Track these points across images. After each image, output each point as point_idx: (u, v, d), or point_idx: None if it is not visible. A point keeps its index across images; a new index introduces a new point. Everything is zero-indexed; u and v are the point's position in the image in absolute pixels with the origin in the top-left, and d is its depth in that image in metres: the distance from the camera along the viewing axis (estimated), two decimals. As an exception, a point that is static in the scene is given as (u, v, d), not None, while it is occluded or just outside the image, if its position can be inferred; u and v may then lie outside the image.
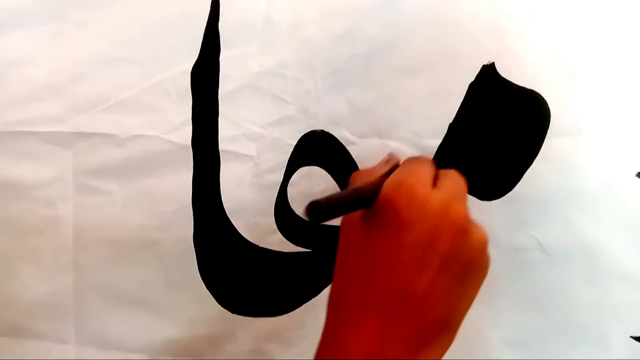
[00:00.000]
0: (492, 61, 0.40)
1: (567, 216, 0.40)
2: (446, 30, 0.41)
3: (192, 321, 0.45)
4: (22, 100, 0.45)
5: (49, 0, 0.43)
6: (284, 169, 0.43)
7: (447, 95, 0.41)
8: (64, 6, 0.43)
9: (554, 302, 0.40)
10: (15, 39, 0.45)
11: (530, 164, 0.40)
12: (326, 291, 0.44)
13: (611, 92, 0.40)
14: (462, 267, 0.30)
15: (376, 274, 0.30)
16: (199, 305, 0.45)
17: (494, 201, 0.41)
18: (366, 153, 0.42)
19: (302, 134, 0.43)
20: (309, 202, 0.29)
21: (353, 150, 0.42)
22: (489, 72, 0.41)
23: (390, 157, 0.39)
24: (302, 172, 0.43)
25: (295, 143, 0.43)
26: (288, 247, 0.44)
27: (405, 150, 0.42)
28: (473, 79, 0.41)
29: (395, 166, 0.36)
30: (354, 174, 0.37)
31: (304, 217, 0.29)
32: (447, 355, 0.41)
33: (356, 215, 0.32)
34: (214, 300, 0.45)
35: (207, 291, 0.45)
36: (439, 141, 0.41)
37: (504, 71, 0.41)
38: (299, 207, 0.43)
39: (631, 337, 0.40)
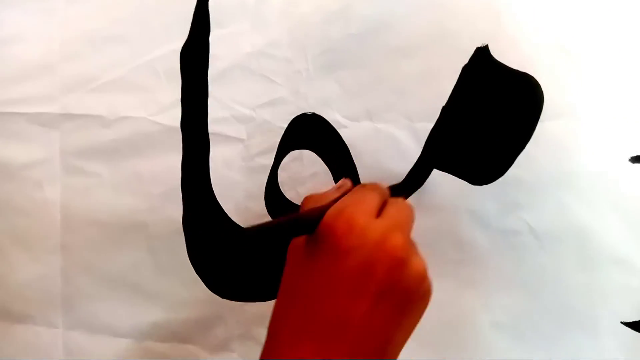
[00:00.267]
0: (486, 43, 0.40)
1: (559, 200, 0.39)
2: (441, 11, 0.40)
3: (181, 305, 0.45)
4: (10, 79, 0.45)
5: (37, -23, 0.43)
6: (275, 152, 0.43)
7: (441, 76, 0.40)
8: (53, -17, 0.43)
9: (544, 285, 0.40)
10: (4, 17, 0.44)
11: (523, 147, 0.39)
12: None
13: (606, 75, 0.39)
14: (399, 297, 0.30)
15: (314, 300, 0.30)
16: (188, 289, 0.45)
17: (486, 185, 0.40)
18: (358, 136, 0.41)
19: (293, 116, 0.42)
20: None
21: (345, 134, 0.42)
22: (482, 55, 0.40)
23: (344, 182, 0.39)
24: (293, 155, 0.43)
25: (286, 126, 0.42)
26: (278, 231, 0.44)
27: (397, 134, 0.41)
28: (466, 60, 0.40)
29: (346, 192, 0.36)
30: (305, 198, 0.38)
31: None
32: (437, 337, 0.41)
33: (302, 239, 0.32)
34: (203, 284, 0.45)
35: (196, 275, 0.45)
36: (431, 124, 0.41)
37: (499, 53, 0.40)
38: (289, 190, 0.43)
39: (621, 322, 0.39)
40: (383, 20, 0.41)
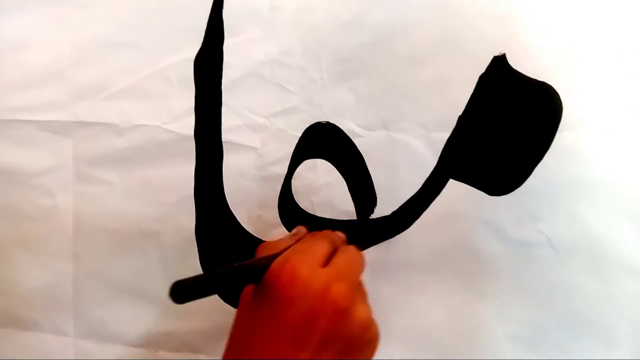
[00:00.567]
0: (503, 52, 0.39)
1: (577, 211, 0.39)
2: (456, 19, 0.40)
3: (193, 315, 0.45)
4: (21, 86, 0.45)
5: (50, -18, 0.42)
6: (288, 161, 0.42)
7: (455, 85, 0.40)
8: (65, -11, 0.43)
9: (560, 297, 0.39)
10: (14, 22, 0.44)
11: (541, 157, 0.39)
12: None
13: (624, 86, 0.39)
14: (343, 345, 0.30)
15: (257, 350, 0.31)
16: (200, 299, 0.44)
17: (503, 196, 0.40)
18: (373, 145, 0.41)
19: (307, 125, 0.42)
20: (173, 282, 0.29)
21: (359, 143, 0.41)
22: (499, 64, 0.39)
23: (298, 230, 0.40)
24: (307, 164, 0.42)
25: (299, 134, 0.42)
26: (291, 240, 0.43)
27: (412, 143, 0.41)
28: (482, 68, 0.40)
29: (298, 239, 0.37)
30: (260, 245, 0.38)
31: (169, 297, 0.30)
32: (452, 349, 0.40)
33: (252, 286, 0.33)
34: (216, 294, 0.44)
35: (208, 284, 0.44)
36: (447, 134, 0.40)
37: (512, 60, 0.39)
38: (303, 200, 0.43)
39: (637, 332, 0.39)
40: (397, 28, 0.40)
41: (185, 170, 0.43)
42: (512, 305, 0.40)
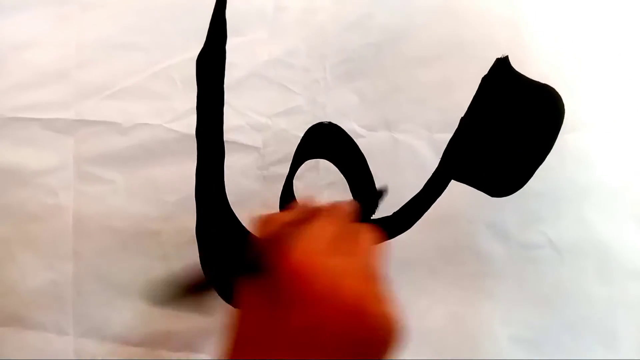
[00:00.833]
0: (506, 54, 0.40)
1: (579, 213, 0.39)
2: (459, 21, 0.40)
3: (193, 314, 0.44)
4: (26, 84, 0.45)
5: (54, -18, 0.43)
6: (290, 161, 0.42)
7: (459, 87, 0.40)
8: (69, -11, 0.43)
9: (565, 299, 0.39)
10: (19, 22, 0.44)
11: (543, 159, 0.39)
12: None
13: (625, 87, 0.39)
14: (357, 350, 0.26)
15: (271, 353, 0.26)
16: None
17: (505, 197, 0.40)
18: (375, 146, 0.41)
19: (309, 125, 0.42)
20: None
21: (362, 143, 0.41)
22: (502, 66, 0.40)
23: (301, 204, 0.36)
24: (309, 164, 0.42)
25: (302, 134, 0.42)
26: (293, 240, 0.43)
27: (415, 144, 0.41)
28: (485, 70, 0.40)
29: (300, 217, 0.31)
30: (255, 219, 0.33)
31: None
32: (455, 350, 0.40)
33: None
34: (216, 293, 0.44)
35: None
36: (449, 135, 0.40)
37: (517, 64, 0.40)
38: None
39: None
40: (401, 30, 0.40)
41: (187, 169, 0.43)
42: (514, 306, 0.40)
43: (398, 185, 0.41)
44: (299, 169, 0.43)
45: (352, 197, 0.42)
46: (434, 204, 0.41)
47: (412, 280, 0.42)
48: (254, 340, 0.28)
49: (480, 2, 0.40)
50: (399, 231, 0.41)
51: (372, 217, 0.42)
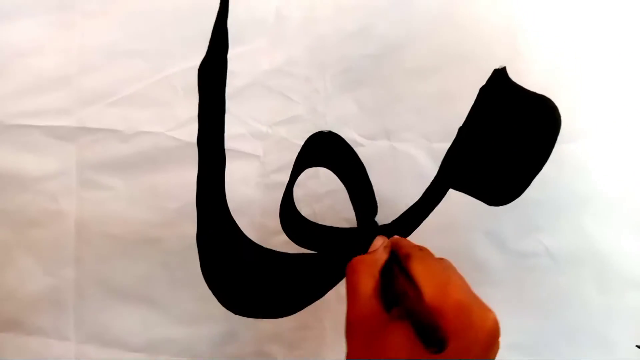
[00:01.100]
0: (504, 65, 0.40)
1: (577, 222, 0.39)
2: (458, 32, 0.41)
3: (194, 321, 0.45)
4: (28, 91, 0.45)
5: (57, -11, 0.43)
6: (291, 169, 0.43)
7: (457, 97, 0.41)
8: (72, -4, 0.43)
9: (562, 307, 0.40)
10: (22, 28, 0.44)
11: (540, 169, 0.39)
12: (329, 294, 0.44)
13: (622, 97, 0.40)
14: None
15: None
16: (201, 305, 0.45)
17: (503, 206, 0.40)
18: (375, 155, 0.42)
19: (310, 134, 0.42)
20: None
21: (361, 152, 0.42)
22: (500, 76, 0.40)
23: (383, 239, 0.37)
24: (309, 172, 0.43)
25: (302, 143, 0.43)
26: (293, 248, 0.44)
27: (414, 153, 0.41)
28: (484, 81, 0.40)
29: (391, 251, 0.35)
30: (355, 262, 0.34)
31: None
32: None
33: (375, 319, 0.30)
34: (216, 300, 0.44)
35: (210, 291, 0.45)
36: (448, 144, 0.41)
37: (515, 75, 0.40)
38: (305, 207, 0.43)
39: (637, 345, 0.39)
40: (400, 41, 0.41)
41: (188, 176, 0.44)
42: (512, 314, 0.40)
43: (397, 193, 0.41)
44: (299, 177, 0.43)
45: (351, 205, 0.43)
46: (432, 212, 0.41)
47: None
48: None
49: (478, 14, 0.40)
50: (398, 239, 0.42)
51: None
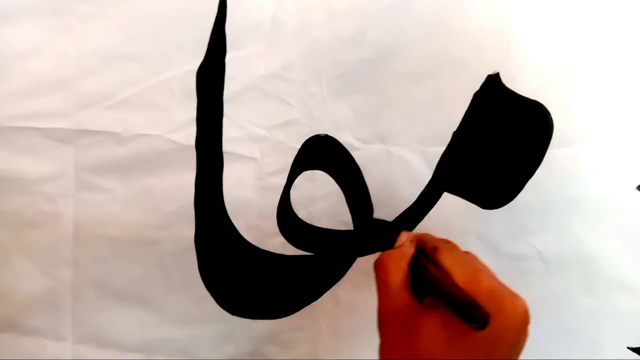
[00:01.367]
0: (497, 71, 0.41)
1: (567, 225, 0.40)
2: (452, 38, 0.41)
3: (191, 321, 0.45)
4: (25, 93, 0.45)
5: (55, -8, 0.43)
6: (287, 172, 0.43)
7: (451, 102, 0.41)
8: (70, 0, 0.43)
9: (551, 310, 0.41)
10: (20, 31, 0.44)
11: (532, 173, 0.40)
12: (325, 295, 0.45)
13: (614, 104, 0.40)
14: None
15: None
16: (198, 306, 0.45)
17: (495, 209, 0.41)
18: (370, 158, 0.42)
19: (306, 137, 0.43)
20: None
21: (357, 156, 0.42)
22: (493, 82, 0.41)
23: (408, 234, 0.38)
24: (306, 175, 0.43)
25: (299, 146, 0.43)
26: (289, 250, 0.44)
27: (408, 157, 0.42)
28: (477, 87, 0.41)
29: (417, 245, 0.36)
30: (383, 257, 0.35)
31: None
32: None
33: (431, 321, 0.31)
34: (213, 301, 0.45)
35: (206, 291, 0.45)
36: (442, 148, 0.41)
37: (508, 80, 0.41)
38: (301, 210, 0.44)
39: (627, 347, 0.40)
40: (395, 46, 0.41)
41: (185, 179, 0.44)
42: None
43: (392, 196, 0.42)
44: (296, 180, 0.44)
45: (347, 208, 0.43)
46: (426, 216, 0.42)
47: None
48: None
49: (471, 20, 0.41)
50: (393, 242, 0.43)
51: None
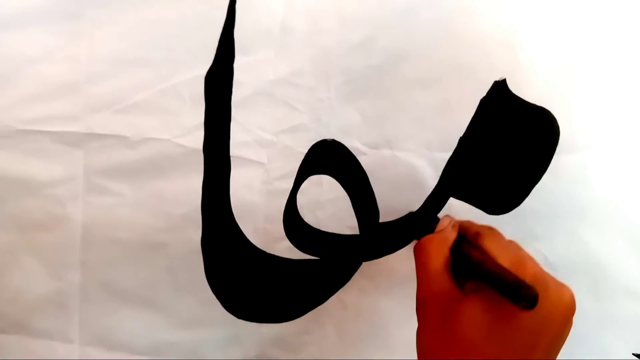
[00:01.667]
0: (504, 77, 0.41)
1: (574, 231, 0.40)
2: (459, 45, 0.41)
3: (198, 325, 0.46)
4: (36, 97, 0.45)
5: (66, -2, 0.44)
6: (294, 177, 0.44)
7: (458, 108, 0.42)
8: (81, 5, 0.43)
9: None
10: (31, 36, 0.45)
11: (539, 179, 0.40)
12: (331, 299, 0.45)
13: (620, 110, 0.40)
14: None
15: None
16: (205, 309, 0.45)
17: (502, 215, 0.41)
18: (377, 164, 0.42)
19: (314, 142, 0.43)
20: None
21: (364, 161, 0.43)
22: (500, 88, 0.41)
23: (450, 219, 0.37)
24: (312, 180, 0.44)
25: (306, 151, 0.43)
26: (296, 254, 0.45)
27: (415, 162, 0.42)
28: (484, 92, 0.41)
29: (459, 230, 0.35)
30: (424, 241, 0.35)
31: None
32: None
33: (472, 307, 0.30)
34: (220, 305, 0.45)
35: (213, 295, 0.45)
36: (449, 154, 0.42)
37: (515, 87, 0.41)
38: (308, 214, 0.44)
39: (633, 354, 0.40)
40: (403, 52, 0.42)
41: (193, 183, 0.44)
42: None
43: (399, 201, 0.42)
44: (303, 185, 0.44)
45: (354, 212, 0.43)
46: (432, 221, 0.42)
47: (410, 295, 0.43)
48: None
49: (479, 27, 0.41)
50: (399, 246, 0.43)
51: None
